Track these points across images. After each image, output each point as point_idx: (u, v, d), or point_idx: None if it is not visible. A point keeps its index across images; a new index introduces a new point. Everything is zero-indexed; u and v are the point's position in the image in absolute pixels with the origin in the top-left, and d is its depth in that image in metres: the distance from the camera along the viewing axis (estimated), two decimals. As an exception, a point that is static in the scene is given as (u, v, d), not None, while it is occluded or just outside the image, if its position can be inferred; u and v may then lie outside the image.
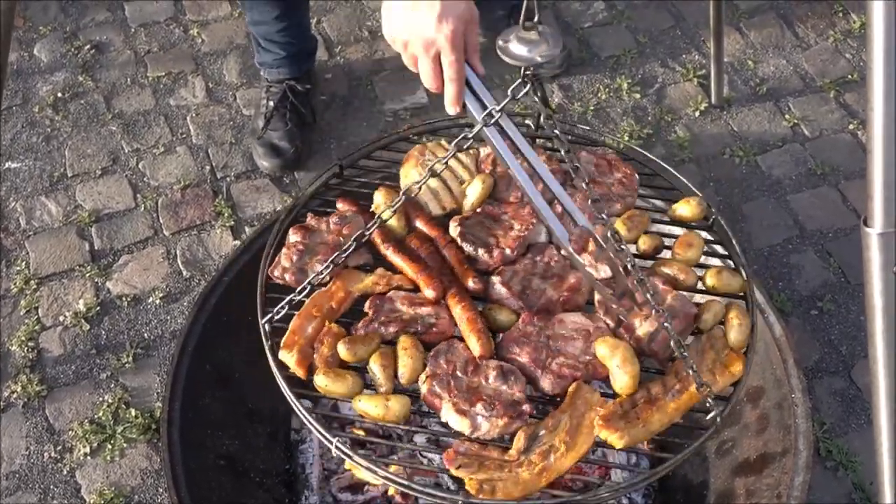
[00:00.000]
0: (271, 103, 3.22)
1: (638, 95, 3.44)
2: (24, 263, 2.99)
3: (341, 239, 1.86)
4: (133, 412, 2.65)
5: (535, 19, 1.64)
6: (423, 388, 1.63)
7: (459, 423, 1.59)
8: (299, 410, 1.66)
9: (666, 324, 1.57)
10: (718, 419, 1.62)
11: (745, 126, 3.36)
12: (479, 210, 1.93)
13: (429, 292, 1.76)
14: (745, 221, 3.09)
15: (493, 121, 1.60)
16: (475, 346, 1.67)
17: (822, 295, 2.90)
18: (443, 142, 2.05)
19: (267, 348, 1.72)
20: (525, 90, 1.57)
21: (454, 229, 1.87)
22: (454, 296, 1.75)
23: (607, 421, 1.57)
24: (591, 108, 3.37)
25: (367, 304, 1.77)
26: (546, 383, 1.66)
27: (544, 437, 1.57)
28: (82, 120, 3.39)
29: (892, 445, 1.82)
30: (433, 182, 1.89)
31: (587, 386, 1.65)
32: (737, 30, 3.66)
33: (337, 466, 2.49)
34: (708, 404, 1.61)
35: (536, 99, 1.57)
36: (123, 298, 2.91)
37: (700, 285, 1.85)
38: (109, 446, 2.60)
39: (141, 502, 2.51)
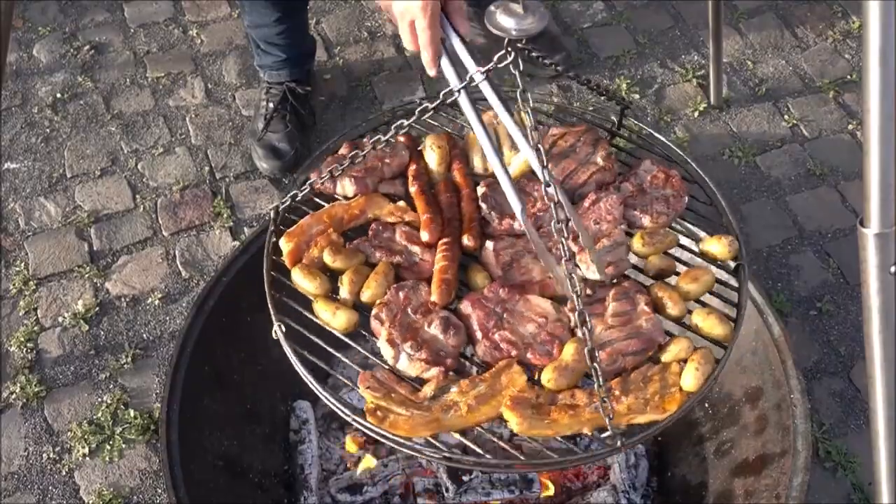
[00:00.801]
0: (271, 105, 3.22)
1: (637, 96, 3.44)
2: (22, 264, 2.99)
3: (378, 164, 1.96)
4: (132, 413, 2.66)
5: None
6: (373, 312, 1.70)
7: (386, 352, 1.66)
8: (268, 292, 1.75)
9: (587, 330, 1.50)
10: (619, 442, 1.54)
11: (745, 127, 3.36)
12: (519, 182, 1.92)
13: (424, 235, 1.82)
14: (745, 222, 3.09)
15: (460, 86, 1.61)
16: (434, 292, 1.72)
17: (821, 295, 2.90)
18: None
19: (270, 231, 1.85)
20: (508, 60, 1.56)
21: (481, 188, 1.90)
22: (444, 243, 1.80)
23: (515, 403, 1.58)
24: (590, 108, 3.37)
25: (371, 226, 1.87)
26: (480, 349, 1.68)
27: (453, 394, 1.61)
28: (81, 120, 3.39)
29: (889, 446, 1.82)
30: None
31: (519, 367, 1.64)
32: (736, 30, 3.66)
33: (336, 467, 2.50)
34: (608, 430, 1.53)
35: (516, 73, 1.57)
36: (122, 299, 2.91)
37: (687, 319, 1.77)
38: (108, 447, 2.60)
39: (140, 503, 2.51)
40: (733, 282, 1.84)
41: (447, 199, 1.92)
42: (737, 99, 3.44)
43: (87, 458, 2.59)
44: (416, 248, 1.83)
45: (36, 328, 2.84)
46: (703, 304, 1.79)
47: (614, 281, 1.79)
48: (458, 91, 1.62)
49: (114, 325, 2.85)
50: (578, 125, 2.09)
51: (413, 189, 1.93)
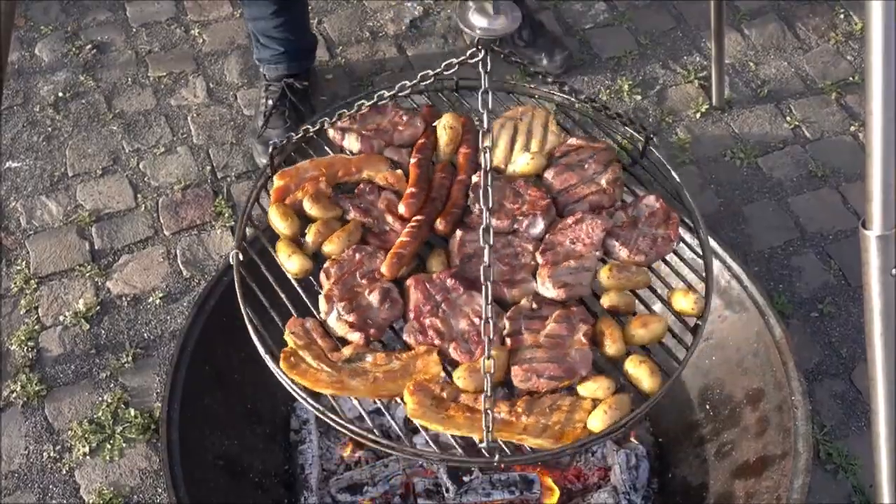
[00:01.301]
0: (270, 101, 3.22)
1: (639, 97, 3.44)
2: (24, 263, 2.99)
3: (390, 129, 2.01)
4: (132, 412, 2.66)
5: None
6: (325, 265, 1.77)
7: (321, 305, 1.73)
8: (241, 221, 1.86)
9: (487, 339, 1.50)
10: (497, 457, 1.53)
11: (746, 128, 3.36)
12: (515, 181, 1.93)
13: (401, 207, 1.85)
14: (746, 223, 3.08)
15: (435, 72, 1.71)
16: (385, 262, 1.75)
17: (823, 297, 2.90)
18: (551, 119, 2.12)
19: (265, 165, 1.98)
20: (477, 58, 1.58)
21: (475, 177, 1.91)
22: (416, 220, 1.82)
23: (417, 389, 1.59)
24: (591, 109, 3.37)
25: (359, 186, 1.92)
26: (407, 331, 1.71)
27: (367, 363, 1.64)
28: (83, 120, 3.39)
29: (890, 448, 1.82)
30: (505, 135, 2.02)
31: (437, 357, 1.65)
32: (738, 31, 3.66)
33: (336, 467, 2.50)
34: (490, 445, 1.53)
35: (483, 72, 1.58)
36: (123, 298, 2.91)
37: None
38: (109, 446, 2.60)
39: (140, 502, 2.51)
40: (689, 337, 1.75)
41: (440, 180, 1.92)
42: (739, 100, 3.44)
43: (88, 457, 2.59)
44: (390, 218, 1.86)
45: (37, 327, 2.84)
46: (645, 352, 1.70)
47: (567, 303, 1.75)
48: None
49: (115, 324, 2.85)
50: (600, 141, 2.06)
51: (412, 161, 1.95)
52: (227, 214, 3.10)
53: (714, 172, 3.22)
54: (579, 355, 1.65)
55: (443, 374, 1.65)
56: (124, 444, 2.60)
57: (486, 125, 1.52)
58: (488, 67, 1.56)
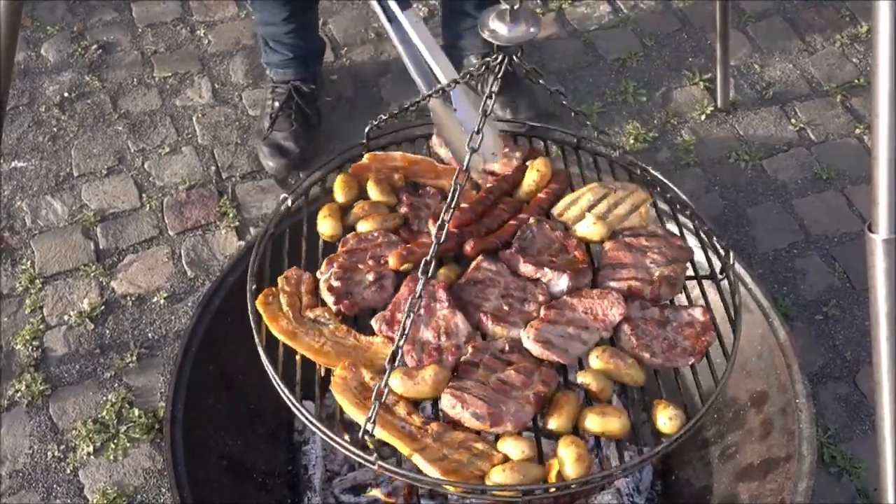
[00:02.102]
0: (276, 104, 3.23)
1: (643, 98, 3.44)
2: (29, 262, 3.00)
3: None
4: (136, 412, 2.66)
5: (517, 3, 1.66)
6: (345, 237, 1.88)
7: (324, 267, 1.81)
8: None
9: (388, 364, 1.56)
10: (375, 457, 1.54)
11: (751, 130, 3.36)
12: (568, 238, 1.89)
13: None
14: (750, 226, 3.08)
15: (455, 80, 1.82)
16: (394, 252, 1.81)
17: (827, 300, 2.89)
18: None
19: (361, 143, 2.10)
20: (498, 62, 1.65)
21: (531, 220, 1.89)
22: (450, 233, 1.80)
23: (351, 367, 1.65)
24: (596, 110, 3.37)
25: (426, 188, 2.02)
26: (377, 318, 1.74)
27: (326, 329, 1.72)
28: (88, 120, 3.40)
29: (895, 451, 1.81)
30: (591, 196, 1.98)
31: (380, 346, 1.70)
32: (743, 33, 3.66)
33: (340, 468, 2.50)
34: (365, 437, 1.56)
35: (495, 77, 1.65)
36: (128, 298, 2.91)
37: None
38: (112, 446, 2.60)
39: (144, 502, 2.52)
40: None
41: (500, 211, 1.92)
42: (744, 102, 3.43)
43: (92, 457, 2.59)
44: (431, 225, 1.88)
45: (41, 326, 2.85)
46: (580, 440, 1.60)
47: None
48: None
49: (119, 324, 2.85)
50: (678, 238, 1.93)
51: (487, 185, 2.00)
52: (231, 215, 3.10)
53: (719, 174, 3.22)
54: (515, 409, 1.58)
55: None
56: (128, 444, 2.61)
57: (477, 126, 1.60)
58: (500, 73, 1.61)
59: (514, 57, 1.70)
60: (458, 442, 1.57)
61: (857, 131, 3.34)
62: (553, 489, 1.59)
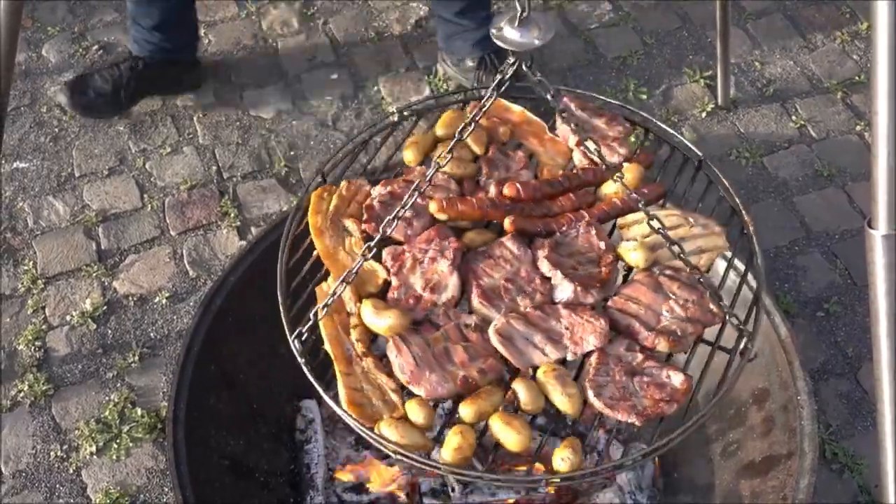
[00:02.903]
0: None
1: (644, 96, 3.44)
2: (31, 263, 3.00)
3: (603, 130, 2.03)
4: (139, 411, 2.67)
5: (526, 11, 1.67)
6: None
7: (379, 187, 1.90)
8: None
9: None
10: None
11: (752, 127, 3.36)
12: (608, 255, 1.80)
13: (508, 187, 1.85)
14: (752, 223, 3.07)
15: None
16: (437, 197, 1.84)
17: (829, 297, 2.90)
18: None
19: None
20: (512, 68, 1.67)
21: (563, 231, 1.84)
22: (501, 199, 1.85)
23: (324, 293, 1.70)
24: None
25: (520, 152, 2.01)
26: (390, 250, 1.79)
27: (350, 241, 1.82)
28: (89, 120, 3.40)
29: (897, 448, 1.81)
30: (667, 220, 1.84)
31: (378, 276, 1.75)
32: (743, 31, 3.66)
33: (342, 467, 2.50)
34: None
35: (536, 76, 1.66)
36: (130, 298, 2.92)
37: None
38: (115, 445, 2.61)
39: (146, 501, 2.52)
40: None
41: (565, 201, 1.87)
42: (744, 99, 3.43)
43: (95, 457, 2.60)
44: (493, 188, 1.88)
45: (44, 327, 2.86)
46: (469, 431, 1.59)
47: None
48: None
49: (121, 323, 2.86)
50: (715, 303, 1.75)
51: (571, 169, 1.97)
52: (232, 214, 3.11)
53: (720, 172, 3.21)
54: (437, 380, 1.58)
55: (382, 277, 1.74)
56: (131, 444, 2.61)
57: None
58: (509, 76, 1.66)
59: (524, 66, 1.70)
60: (378, 384, 1.62)
61: (858, 128, 3.34)
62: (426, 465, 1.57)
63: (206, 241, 3.06)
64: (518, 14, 1.64)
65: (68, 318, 2.87)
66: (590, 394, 1.60)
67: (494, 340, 1.64)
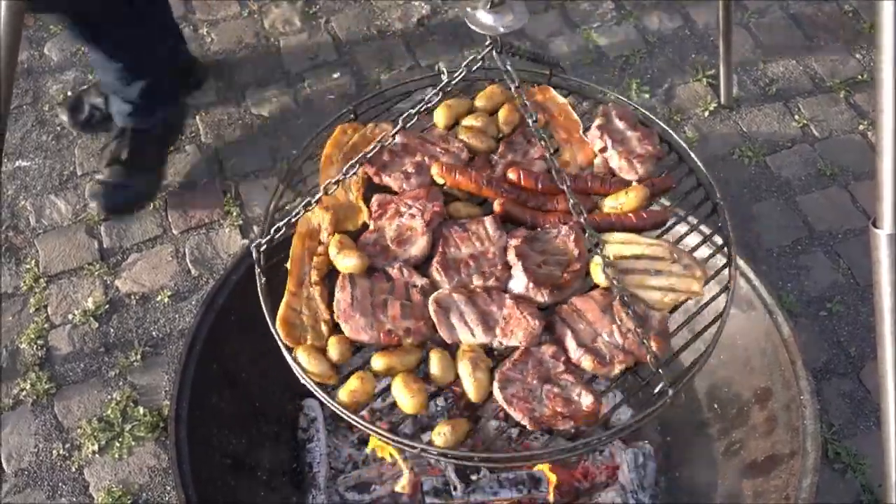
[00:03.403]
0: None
1: (647, 95, 3.44)
2: (33, 262, 3.00)
3: (627, 133, 2.00)
4: (141, 410, 2.67)
5: None
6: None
7: (394, 136, 1.87)
8: None
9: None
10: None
11: (755, 127, 3.36)
12: (577, 249, 1.79)
13: (513, 173, 1.87)
14: (754, 222, 3.08)
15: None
16: (435, 164, 1.88)
17: (832, 296, 2.89)
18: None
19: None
20: (484, 54, 1.67)
21: (545, 229, 1.84)
22: (506, 182, 1.87)
23: (304, 224, 1.80)
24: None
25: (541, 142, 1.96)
26: (377, 196, 1.87)
27: (352, 179, 1.87)
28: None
29: (900, 448, 1.81)
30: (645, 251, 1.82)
31: (364, 216, 1.84)
32: (746, 30, 3.65)
33: (344, 466, 2.50)
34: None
35: (504, 66, 1.66)
36: (132, 297, 2.92)
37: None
38: (117, 444, 2.61)
39: (149, 500, 2.52)
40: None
41: (561, 199, 1.85)
42: (747, 99, 3.43)
43: (97, 455, 2.60)
44: (500, 169, 1.91)
45: (46, 325, 2.86)
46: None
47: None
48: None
49: (123, 322, 2.86)
50: (659, 336, 1.69)
51: (587, 172, 1.97)
52: (235, 213, 3.11)
53: (722, 171, 3.21)
54: (364, 323, 1.67)
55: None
56: (133, 443, 2.61)
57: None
58: (500, 63, 1.63)
59: (495, 52, 1.72)
60: (316, 311, 1.70)
61: (861, 127, 3.33)
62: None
63: (208, 240, 3.06)
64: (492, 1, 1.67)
65: (70, 316, 2.87)
66: (496, 384, 1.62)
67: (431, 307, 1.68)
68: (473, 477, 2.38)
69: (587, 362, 1.65)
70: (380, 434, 1.62)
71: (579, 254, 1.77)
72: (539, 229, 1.83)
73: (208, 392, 2.34)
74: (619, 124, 2.00)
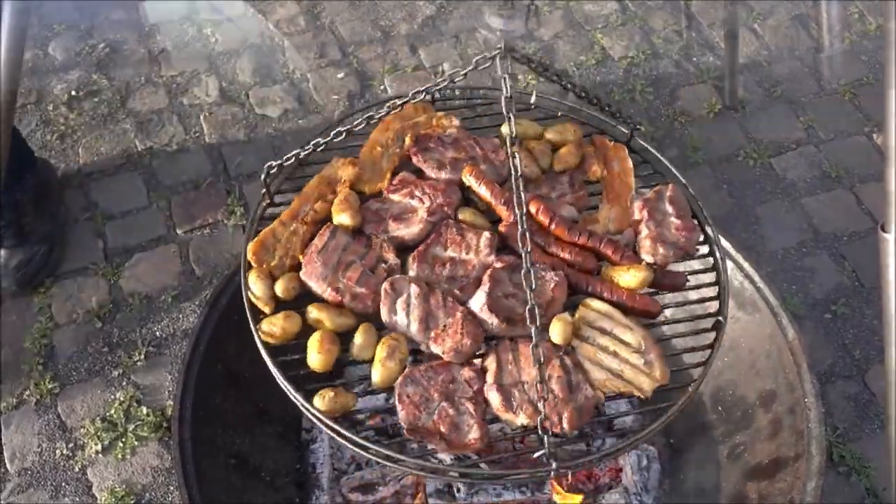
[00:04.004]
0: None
1: (651, 97, 3.43)
2: (37, 261, 3.00)
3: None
4: (144, 410, 2.66)
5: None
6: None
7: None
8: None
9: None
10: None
11: (760, 128, 3.35)
12: (555, 297, 1.78)
13: (539, 210, 1.88)
14: (759, 224, 3.07)
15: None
16: (470, 165, 1.94)
17: (836, 298, 2.89)
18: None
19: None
20: (493, 56, 1.70)
21: (541, 268, 1.82)
22: (528, 205, 1.84)
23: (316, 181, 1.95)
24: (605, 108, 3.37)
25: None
26: (401, 175, 1.96)
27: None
28: (96, 118, 3.40)
29: (906, 451, 1.81)
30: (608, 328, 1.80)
31: (353, 174, 1.95)
32: (751, 31, 3.65)
33: (347, 467, 2.50)
34: None
35: (504, 72, 1.68)
36: (136, 296, 2.92)
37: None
38: (121, 444, 2.61)
39: (152, 500, 2.52)
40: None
41: (573, 254, 1.84)
42: (752, 100, 3.42)
43: (100, 455, 2.60)
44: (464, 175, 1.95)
45: (50, 325, 2.85)
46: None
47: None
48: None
49: (127, 322, 2.86)
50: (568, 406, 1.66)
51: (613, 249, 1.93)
52: (238, 213, 3.11)
53: (727, 172, 3.21)
54: (324, 273, 1.78)
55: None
56: (136, 443, 2.61)
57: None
58: (509, 69, 1.64)
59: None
60: (290, 247, 1.83)
61: (866, 129, 3.33)
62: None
63: (212, 240, 3.06)
64: (502, 5, 1.70)
65: (74, 316, 2.87)
66: (399, 379, 1.67)
67: (384, 285, 1.74)
68: (536, 455, 2.35)
69: (494, 400, 1.65)
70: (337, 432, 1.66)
71: (550, 301, 1.75)
72: (535, 266, 1.80)
73: (212, 392, 2.34)
74: (667, 207, 1.95)
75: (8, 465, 2.58)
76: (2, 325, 2.84)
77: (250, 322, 1.75)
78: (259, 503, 2.37)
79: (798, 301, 2.87)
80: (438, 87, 1.81)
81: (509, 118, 1.67)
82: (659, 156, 2.05)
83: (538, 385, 1.56)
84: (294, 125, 3.38)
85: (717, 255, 1.90)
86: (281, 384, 1.72)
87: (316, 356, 1.69)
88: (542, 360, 1.55)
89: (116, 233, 3.08)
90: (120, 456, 2.59)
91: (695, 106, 3.41)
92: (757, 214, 3.09)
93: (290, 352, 1.76)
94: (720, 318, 1.75)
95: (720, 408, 2.46)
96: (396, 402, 1.65)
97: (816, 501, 2.08)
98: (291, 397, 1.72)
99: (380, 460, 1.63)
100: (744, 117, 3.38)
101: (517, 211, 1.62)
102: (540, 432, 1.56)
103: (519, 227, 1.61)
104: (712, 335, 1.77)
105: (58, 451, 2.61)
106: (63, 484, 2.55)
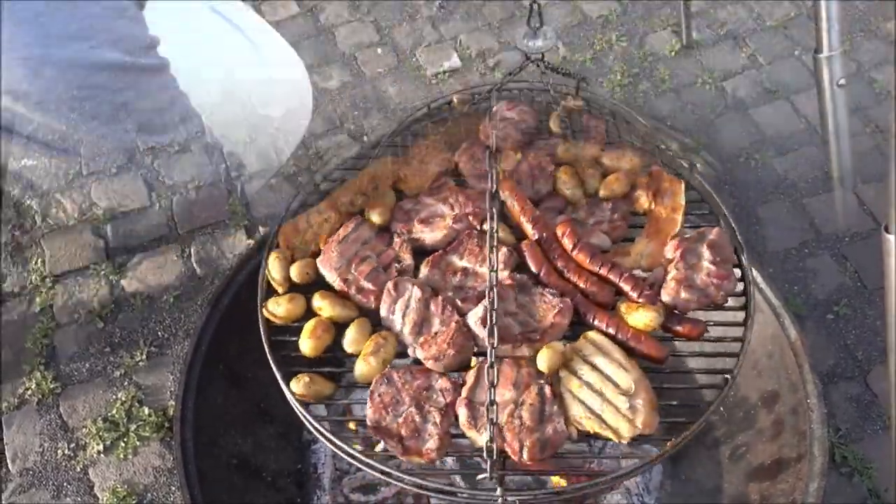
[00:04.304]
0: None
1: (625, 44, 3.77)
2: (39, 261, 3.00)
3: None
4: (146, 410, 2.66)
5: (538, 22, 2.01)
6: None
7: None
8: None
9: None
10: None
11: (712, 60, 3.70)
12: (558, 322, 1.78)
13: (569, 240, 1.93)
14: (761, 224, 3.07)
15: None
16: (507, 180, 2.00)
17: (839, 299, 2.88)
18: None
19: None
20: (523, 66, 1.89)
21: (513, 281, 1.86)
22: (559, 227, 1.93)
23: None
24: (589, 56, 3.71)
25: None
26: (436, 185, 2.05)
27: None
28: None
29: (908, 452, 1.81)
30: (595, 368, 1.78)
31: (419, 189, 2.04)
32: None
33: (349, 467, 2.50)
34: None
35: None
36: (137, 296, 2.91)
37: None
38: (123, 444, 2.61)
39: (154, 500, 2.52)
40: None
41: (593, 285, 1.84)
42: (704, 39, 3.79)
43: (102, 455, 2.60)
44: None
45: (52, 325, 2.85)
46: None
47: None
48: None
49: (129, 322, 2.86)
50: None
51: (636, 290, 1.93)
52: (240, 213, 3.11)
53: (688, 96, 3.55)
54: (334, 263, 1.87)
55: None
56: (138, 443, 2.61)
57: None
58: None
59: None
60: (318, 233, 1.93)
61: (796, 52, 3.69)
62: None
63: (213, 240, 3.06)
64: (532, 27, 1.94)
65: (76, 316, 2.87)
66: (376, 377, 1.72)
67: (388, 284, 1.79)
68: (479, 477, 2.37)
69: (462, 415, 1.66)
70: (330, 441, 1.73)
71: (550, 327, 1.74)
72: (541, 286, 1.81)
73: (214, 392, 2.34)
74: (704, 250, 1.88)
75: (10, 465, 2.58)
76: (3, 324, 2.84)
77: (258, 299, 1.82)
78: (260, 503, 2.37)
79: (800, 301, 2.86)
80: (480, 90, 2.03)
81: (565, 116, 1.95)
82: (716, 196, 1.97)
83: (487, 406, 1.58)
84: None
85: (751, 311, 1.81)
86: (269, 360, 1.78)
87: (307, 341, 1.74)
88: (495, 381, 1.58)
89: (118, 233, 3.07)
90: (122, 456, 2.59)
91: (659, 48, 3.81)
92: (759, 215, 3.09)
93: (290, 333, 1.80)
94: (728, 376, 1.68)
95: (722, 408, 2.45)
96: (368, 399, 1.69)
97: (818, 502, 2.08)
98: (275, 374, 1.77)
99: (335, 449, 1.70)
100: (698, 53, 3.71)
101: (490, 184, 1.79)
102: (485, 454, 1.56)
103: (488, 193, 1.77)
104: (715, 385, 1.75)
105: (59, 451, 2.61)
106: (65, 484, 2.55)
